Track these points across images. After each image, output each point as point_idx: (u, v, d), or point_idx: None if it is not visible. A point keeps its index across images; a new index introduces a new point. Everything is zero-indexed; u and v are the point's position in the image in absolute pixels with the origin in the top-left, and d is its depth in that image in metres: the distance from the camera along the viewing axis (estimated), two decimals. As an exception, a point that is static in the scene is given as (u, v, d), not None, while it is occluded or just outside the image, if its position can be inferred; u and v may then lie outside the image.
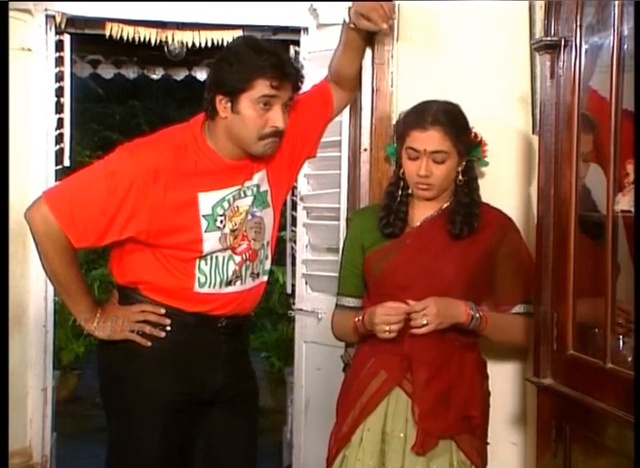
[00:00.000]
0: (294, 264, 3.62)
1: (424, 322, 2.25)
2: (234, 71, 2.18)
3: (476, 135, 2.57)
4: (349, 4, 2.42)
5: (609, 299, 2.00)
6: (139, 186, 2.18)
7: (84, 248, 2.28)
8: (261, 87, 2.18)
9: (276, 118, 2.21)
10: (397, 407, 2.32)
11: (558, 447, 2.18)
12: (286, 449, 4.01)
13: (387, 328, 2.27)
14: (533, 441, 2.39)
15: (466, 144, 2.39)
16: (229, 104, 2.20)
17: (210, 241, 2.26)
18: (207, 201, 2.25)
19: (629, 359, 1.96)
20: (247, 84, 2.17)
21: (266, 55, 2.18)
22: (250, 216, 2.32)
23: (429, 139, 2.31)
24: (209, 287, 2.28)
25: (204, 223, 2.25)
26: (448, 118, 2.33)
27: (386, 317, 2.27)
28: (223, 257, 2.29)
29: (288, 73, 2.20)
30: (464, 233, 2.35)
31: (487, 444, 2.39)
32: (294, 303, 3.43)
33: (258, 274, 2.37)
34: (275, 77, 2.17)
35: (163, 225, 2.22)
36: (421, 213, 2.42)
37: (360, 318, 2.36)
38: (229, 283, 2.30)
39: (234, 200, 2.29)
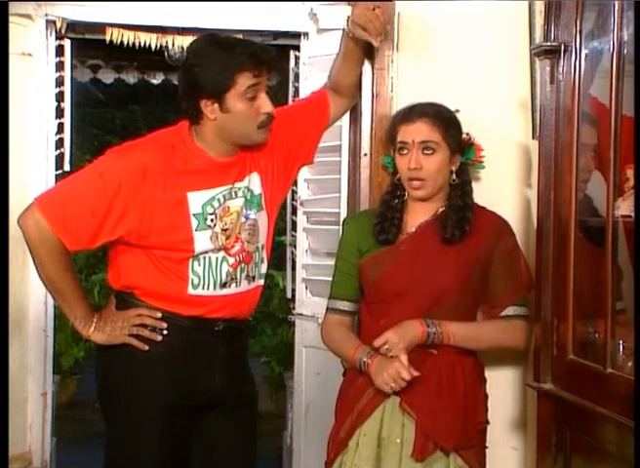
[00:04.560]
0: (294, 269, 3.61)
1: (390, 354, 2.26)
2: (213, 73, 2.19)
3: (468, 136, 2.56)
4: (350, 11, 2.43)
5: (609, 304, 2.00)
6: (128, 186, 2.20)
7: (78, 250, 2.29)
8: (244, 80, 2.19)
9: (265, 104, 2.24)
10: (393, 412, 2.32)
11: (558, 452, 2.18)
12: (286, 454, 4.00)
13: (393, 385, 2.27)
14: (533, 446, 2.39)
15: (457, 140, 2.39)
16: (216, 105, 2.22)
17: (201, 240, 2.26)
18: (197, 200, 2.26)
19: (629, 364, 1.96)
20: (229, 82, 2.19)
21: (238, 48, 2.20)
22: (243, 219, 2.33)
23: (417, 130, 2.34)
24: (202, 288, 2.28)
25: (194, 222, 2.26)
26: (435, 111, 2.36)
27: (392, 379, 2.26)
28: (217, 258, 2.29)
29: (264, 59, 2.22)
30: (456, 237, 2.34)
31: (486, 448, 2.39)
32: (294, 308, 3.43)
33: (253, 277, 2.37)
34: (254, 67, 2.19)
35: (154, 224, 2.23)
36: (416, 218, 2.42)
37: (368, 361, 2.32)
38: (224, 285, 2.31)
39: (225, 200, 2.30)
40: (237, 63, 2.18)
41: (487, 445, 2.39)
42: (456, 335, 2.32)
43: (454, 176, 2.39)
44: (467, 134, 2.54)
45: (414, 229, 2.41)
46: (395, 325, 2.30)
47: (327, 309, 2.53)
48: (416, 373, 2.25)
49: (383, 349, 2.28)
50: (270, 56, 2.24)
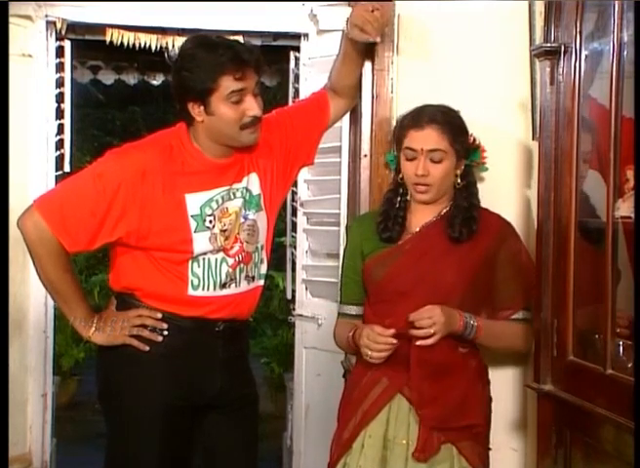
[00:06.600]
0: (294, 270, 3.61)
1: (432, 331, 2.23)
2: (196, 76, 2.19)
3: (474, 139, 2.57)
4: (349, 13, 2.43)
5: (609, 305, 2.00)
6: (127, 187, 2.20)
7: (77, 252, 2.30)
8: (227, 83, 2.19)
9: (251, 107, 2.23)
10: (399, 413, 2.32)
11: (558, 452, 2.18)
12: (286, 455, 4.00)
13: (370, 353, 2.27)
14: (533, 447, 2.39)
15: (464, 146, 2.39)
16: (202, 108, 2.22)
17: (199, 241, 2.27)
18: (195, 201, 2.26)
19: (629, 365, 1.96)
20: (212, 84, 2.18)
21: (220, 50, 2.19)
22: (242, 219, 2.33)
23: (426, 138, 2.32)
24: (202, 289, 2.29)
25: (193, 223, 2.26)
26: (444, 118, 2.35)
27: (369, 342, 2.26)
28: (216, 259, 2.30)
29: (247, 61, 2.20)
30: (464, 236, 2.34)
31: (489, 449, 2.39)
32: (294, 309, 3.43)
33: (253, 278, 2.37)
34: (236, 69, 2.18)
35: (153, 226, 2.23)
36: (420, 218, 2.42)
37: (351, 334, 2.36)
38: (223, 285, 2.31)
39: (223, 201, 2.30)
40: (218, 66, 2.17)
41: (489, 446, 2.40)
42: (485, 331, 2.32)
43: (458, 180, 2.39)
44: (471, 134, 2.54)
45: (418, 229, 2.41)
46: (400, 323, 2.28)
47: (338, 314, 2.54)
48: (393, 341, 2.24)
49: (425, 323, 2.22)
50: (254, 56, 2.23)
